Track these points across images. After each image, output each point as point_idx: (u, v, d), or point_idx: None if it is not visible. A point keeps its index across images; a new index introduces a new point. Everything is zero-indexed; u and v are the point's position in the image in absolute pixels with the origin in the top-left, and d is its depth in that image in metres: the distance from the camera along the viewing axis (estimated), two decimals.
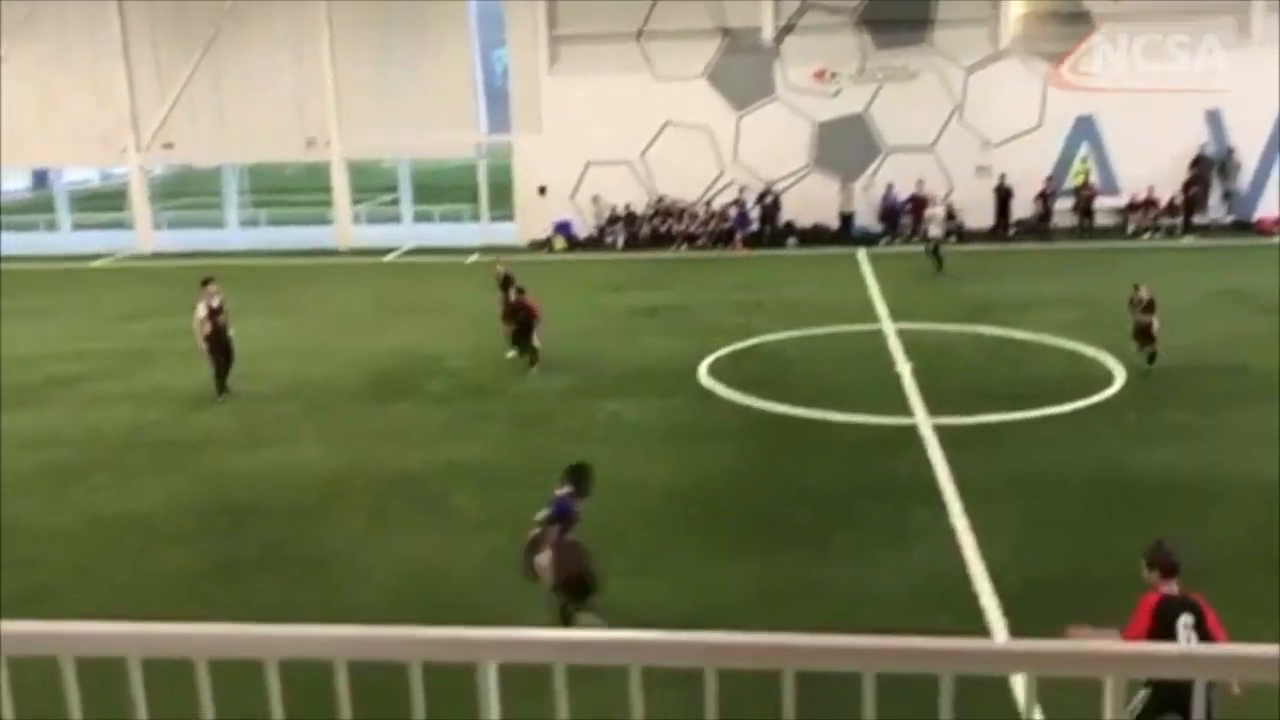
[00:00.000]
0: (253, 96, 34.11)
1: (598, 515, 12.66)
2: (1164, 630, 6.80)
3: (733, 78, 32.38)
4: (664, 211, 33.14)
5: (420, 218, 39.41)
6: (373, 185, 42.40)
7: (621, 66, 32.25)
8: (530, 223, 34.01)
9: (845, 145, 32.28)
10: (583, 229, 33.72)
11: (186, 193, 46.65)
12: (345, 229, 35.55)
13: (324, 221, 36.95)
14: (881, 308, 23.15)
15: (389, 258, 33.47)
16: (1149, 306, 17.67)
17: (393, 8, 33.03)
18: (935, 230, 27.48)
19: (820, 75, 32.17)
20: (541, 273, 29.87)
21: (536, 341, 18.90)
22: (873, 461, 14.20)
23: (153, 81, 34.52)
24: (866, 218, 32.54)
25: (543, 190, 33.68)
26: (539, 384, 18.35)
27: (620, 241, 32.90)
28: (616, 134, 32.23)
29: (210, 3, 33.63)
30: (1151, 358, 17.59)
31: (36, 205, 46.18)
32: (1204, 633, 6.81)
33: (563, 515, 9.77)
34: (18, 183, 52.97)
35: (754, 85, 32.45)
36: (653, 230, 33.06)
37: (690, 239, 32.56)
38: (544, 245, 33.36)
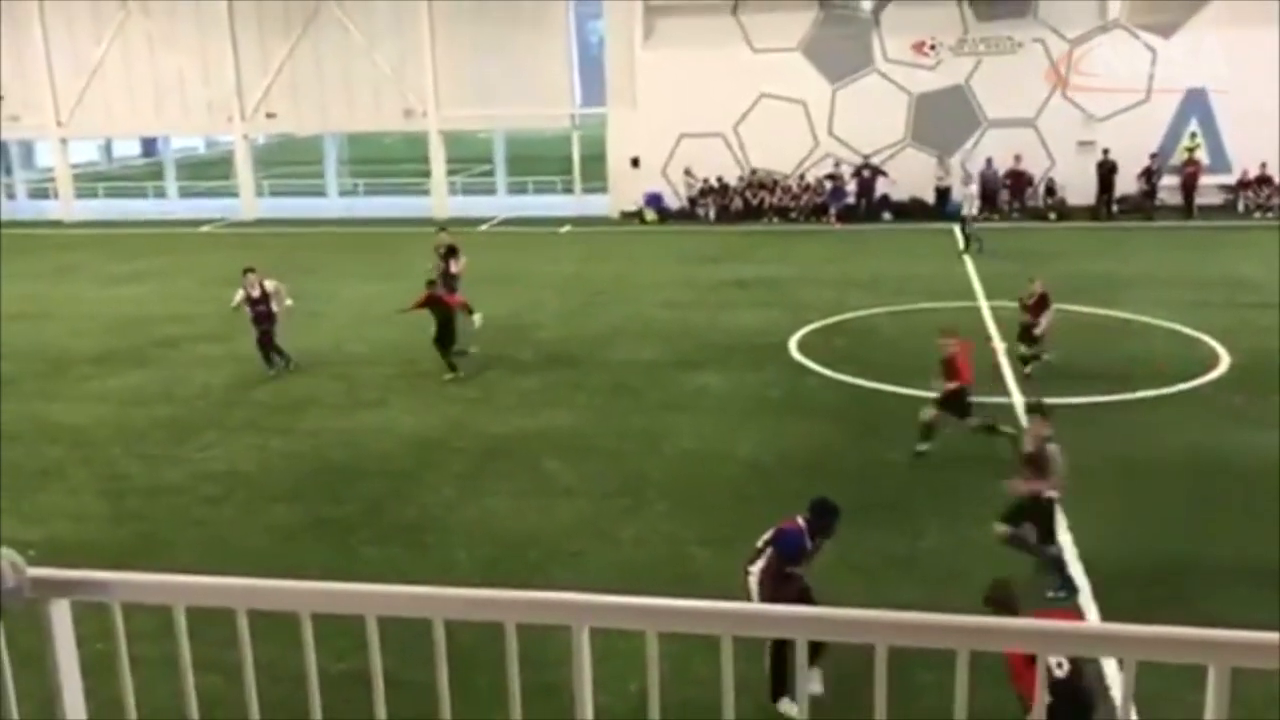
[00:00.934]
0: (352, 68, 34.70)
1: (686, 485, 12.77)
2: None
3: (829, 49, 31.93)
4: (756, 184, 32.91)
5: (514, 189, 39.73)
6: (469, 156, 42.85)
7: (716, 39, 32.02)
8: (622, 194, 34.07)
9: (944, 118, 31.65)
10: (674, 201, 33.67)
11: (289, 161, 47.67)
12: (441, 199, 36.01)
13: (421, 191, 37.47)
14: (978, 284, 22.71)
15: (483, 228, 33.82)
16: (1037, 304, 16.08)
17: None
18: (968, 209, 26.87)
19: (919, 47, 31.54)
20: (632, 243, 30.02)
21: (469, 344, 17.65)
22: (964, 439, 13.97)
23: (257, 54, 35.31)
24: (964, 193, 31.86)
25: (635, 162, 33.68)
26: (629, 354, 18.40)
27: (712, 214, 32.78)
28: (710, 107, 32.05)
29: None
30: (1025, 360, 16.02)
31: (146, 173, 47.68)
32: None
33: (786, 547, 8.76)
34: (129, 150, 54.79)
35: (851, 57, 31.97)
36: (744, 203, 32.86)
37: (782, 212, 32.29)
38: (635, 216, 33.41)
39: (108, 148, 53.29)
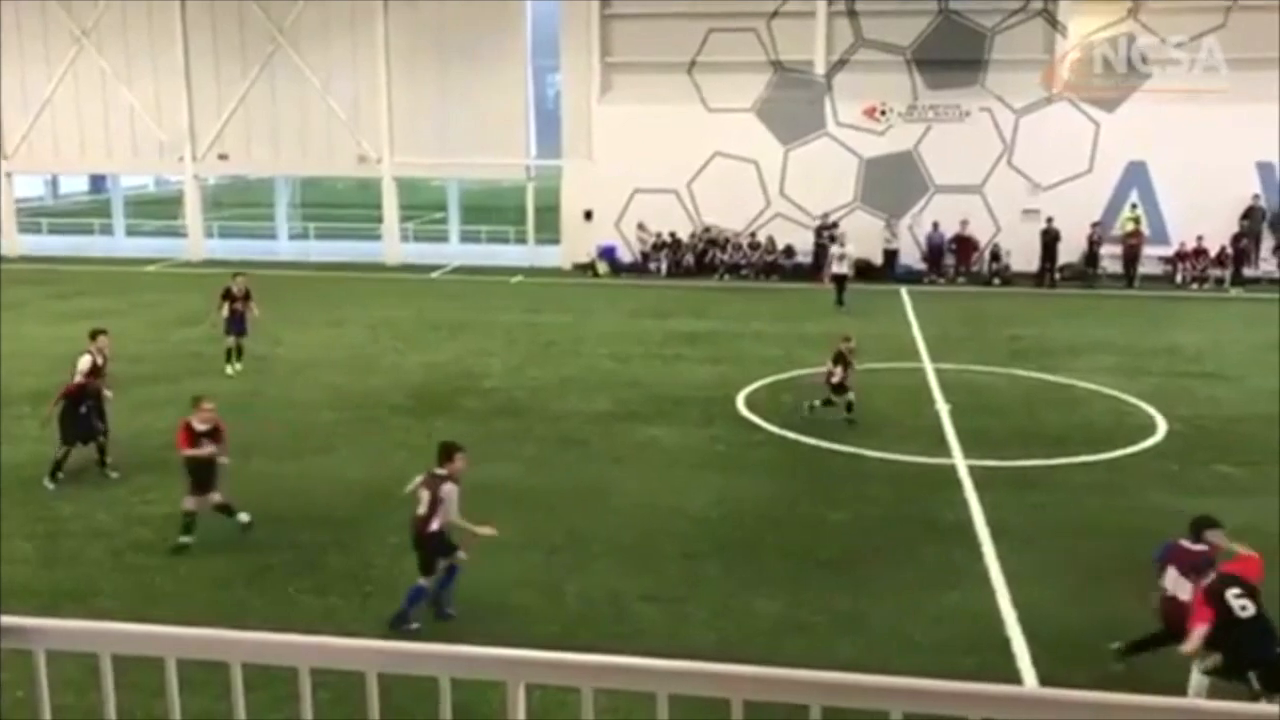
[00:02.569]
0: (307, 111, 34.69)
1: (632, 540, 12.73)
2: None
3: (782, 111, 32.46)
4: (709, 241, 33.22)
5: (468, 237, 39.76)
6: (422, 203, 42.85)
7: (672, 96, 32.45)
8: (575, 246, 34.23)
9: (893, 182, 32.24)
10: (627, 255, 33.87)
11: (241, 203, 47.36)
12: (393, 245, 35.93)
13: (373, 237, 37.38)
14: (923, 346, 23.04)
15: (435, 275, 33.77)
16: (839, 358, 17.26)
17: (450, 30, 33.51)
18: (839, 268, 27.78)
19: (870, 112, 32.18)
20: (584, 295, 30.11)
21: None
22: (908, 500, 14.10)
23: (211, 94, 35.19)
24: (911, 256, 32.42)
25: (589, 215, 33.89)
26: (577, 405, 18.39)
27: (664, 268, 33.00)
28: (664, 162, 32.40)
29: (269, 20, 34.27)
30: (847, 406, 17.22)
31: (93, 209, 47.09)
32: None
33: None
34: (76, 186, 54.10)
35: (803, 119, 32.51)
36: (697, 259, 33.14)
37: (734, 269, 32.60)
38: (588, 269, 33.55)
39: (54, 183, 52.57)
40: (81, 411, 14.68)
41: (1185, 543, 9.19)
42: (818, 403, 17.52)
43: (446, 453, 10.82)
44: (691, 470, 15.25)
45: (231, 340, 20.70)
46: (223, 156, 35.90)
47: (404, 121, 34.46)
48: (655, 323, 25.68)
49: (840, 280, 27.82)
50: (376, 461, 15.52)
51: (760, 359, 21.54)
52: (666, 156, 32.30)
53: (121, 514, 13.50)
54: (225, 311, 20.67)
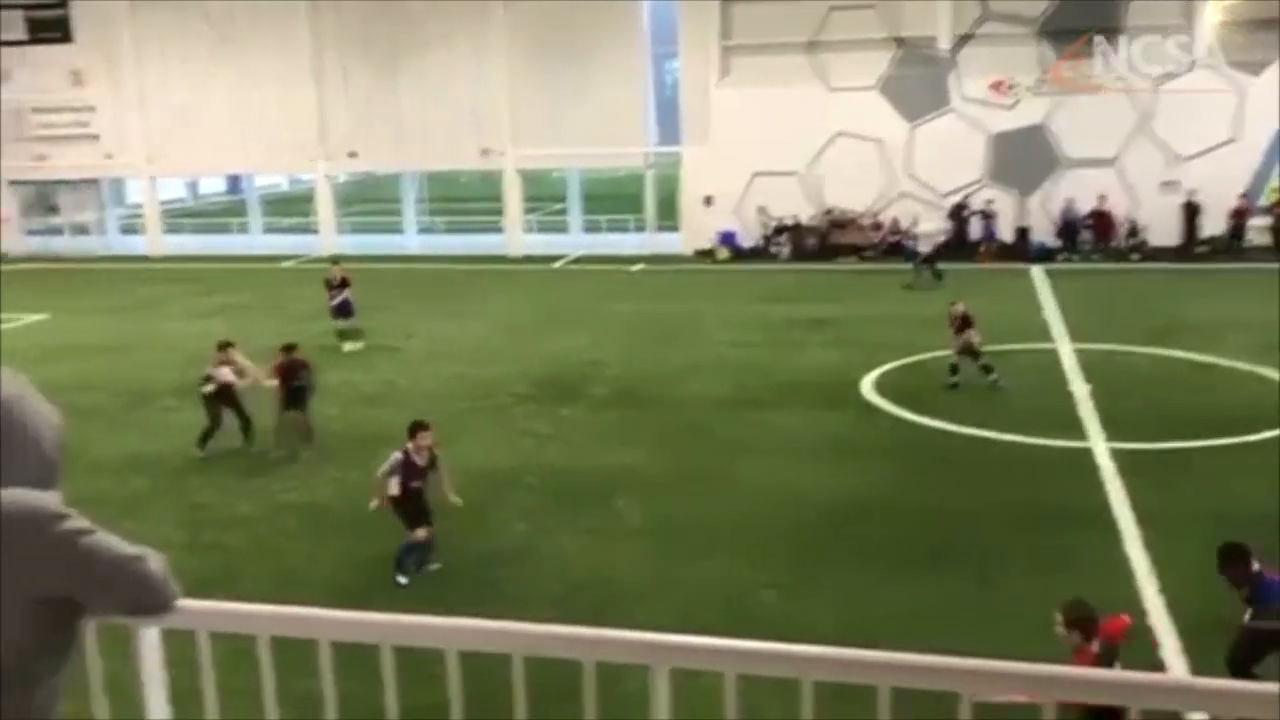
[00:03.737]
0: (431, 107, 35.38)
1: (755, 527, 12.68)
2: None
3: (906, 88, 31.84)
4: (833, 223, 32.80)
5: (588, 227, 40.10)
6: (544, 194, 43.35)
7: (792, 78, 32.11)
8: (695, 233, 34.19)
9: (1022, 158, 31.32)
10: (747, 239, 33.68)
11: (370, 199, 48.65)
12: (516, 236, 36.47)
13: (496, 229, 38.00)
14: (1058, 326, 22.33)
15: (557, 265, 34.14)
16: (964, 323, 17.86)
17: (569, 20, 33.73)
18: (925, 247, 27.84)
19: (998, 86, 31.30)
20: (705, 281, 30.06)
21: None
22: (1041, 485, 13.70)
23: (340, 93, 36.19)
24: (1044, 233, 31.47)
25: (709, 200, 33.80)
26: (699, 392, 18.39)
27: (786, 252, 32.72)
28: (785, 145, 32.09)
29: (393, 19, 35.04)
30: (986, 370, 17.71)
31: (230, 209, 48.99)
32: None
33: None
34: (215, 187, 56.41)
35: (928, 96, 31.84)
36: (820, 242, 32.75)
37: (859, 251, 32.11)
38: (708, 255, 33.48)
39: (194, 185, 54.89)
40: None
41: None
42: (956, 380, 17.90)
43: (410, 430, 11.83)
44: (814, 456, 15.09)
45: (341, 323, 22.11)
46: (352, 154, 36.90)
47: (525, 114, 34.88)
48: (777, 307, 25.48)
49: (928, 259, 27.37)
50: (502, 449, 15.79)
51: (885, 343, 21.17)
52: (787, 138, 31.99)
53: (264, 503, 14.03)
54: (328, 299, 22.39)
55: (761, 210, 33.31)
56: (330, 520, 13.32)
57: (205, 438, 15.70)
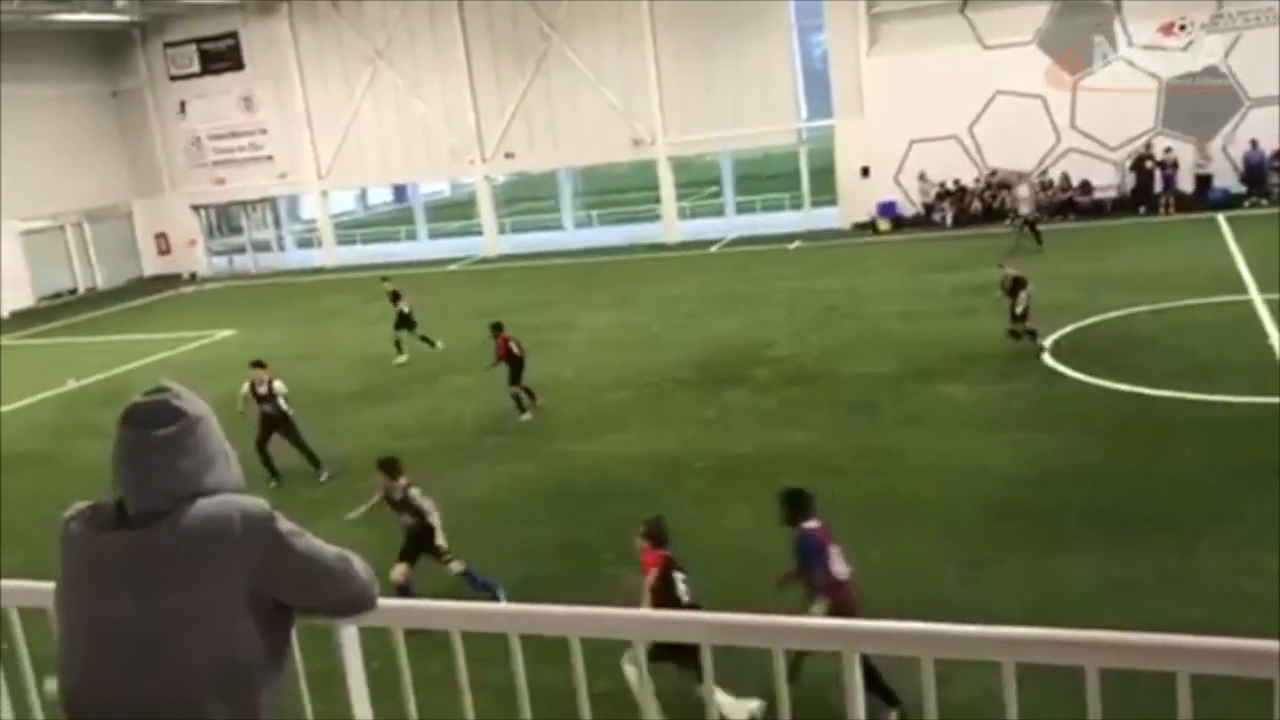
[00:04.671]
0: (581, 102, 35.78)
1: (933, 504, 12.36)
2: (668, 581, 8.91)
3: (1067, 40, 30.45)
4: (997, 184, 31.71)
5: (743, 209, 39.90)
6: (697, 179, 43.34)
7: (945, 39, 31.16)
8: (853, 206, 33.60)
9: (1199, 102, 29.55)
10: (908, 208, 32.89)
11: (527, 198, 49.61)
12: (672, 223, 36.58)
13: (652, 217, 38.20)
14: (1249, 276, 21.01)
15: (714, 249, 34.09)
16: (1013, 287, 17.71)
17: (712, 3, 33.52)
18: (1026, 209, 27.42)
19: (1168, 29, 29.61)
20: (865, 254, 29.50)
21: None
22: (1244, 445, 12.90)
23: (494, 97, 36.98)
24: (1227, 179, 29.66)
25: (865, 172, 33.16)
26: (866, 368, 18.06)
27: (949, 218, 31.81)
28: (941, 109, 31.18)
29: (540, 18, 35.56)
30: (1031, 336, 17.51)
31: (398, 217, 50.72)
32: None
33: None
34: (382, 197, 58.52)
35: (1092, 46, 30.38)
36: (984, 205, 31.70)
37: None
38: (868, 227, 32.85)
39: (363, 196, 57.08)
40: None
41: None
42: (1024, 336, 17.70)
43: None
44: (992, 427, 14.61)
45: (401, 334, 22.54)
46: (509, 155, 37.67)
47: (674, 100, 34.90)
48: (943, 276, 24.78)
49: (1029, 222, 26.84)
50: (669, 435, 15.87)
51: (1061, 305, 20.29)
52: (943, 102, 31.06)
53: (445, 498, 14.43)
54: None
55: (922, 177, 32.48)
56: (501, 513, 13.64)
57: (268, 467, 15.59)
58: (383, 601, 2.48)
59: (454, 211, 48.95)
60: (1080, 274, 23.00)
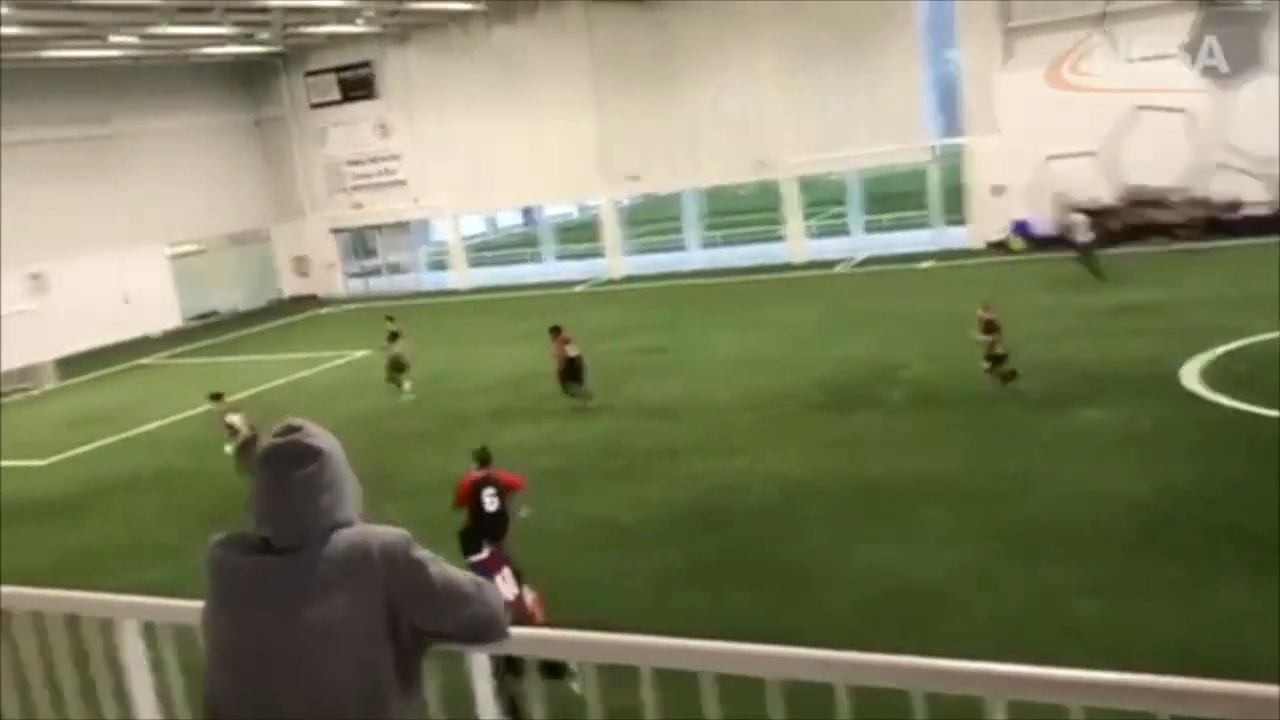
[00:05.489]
0: (706, 124, 35.80)
1: (1069, 529, 11.89)
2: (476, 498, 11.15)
3: (1213, 51, 29.20)
4: (1138, 203, 30.53)
5: (870, 227, 39.35)
6: (821, 198, 42.95)
7: (1083, 52, 30.22)
8: (985, 224, 32.79)
9: None
10: (1043, 227, 31.90)
11: (651, 219, 49.88)
12: (798, 243, 36.28)
13: (777, 238, 37.95)
14: None
15: (840, 269, 33.68)
16: (987, 328, 17.34)
17: (838, 22, 33.23)
18: (1082, 237, 26.95)
19: None
20: (999, 274, 28.70)
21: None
22: None
23: (619, 120, 37.31)
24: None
25: (999, 190, 32.34)
26: (1002, 390, 17.55)
27: (1087, 238, 30.69)
28: (1079, 125, 30.22)
29: (666, 40, 35.77)
30: (1004, 378, 17.11)
31: (525, 240, 51.56)
32: (503, 494, 11.34)
33: None
34: (511, 220, 59.60)
35: (1240, 57, 29.06)
36: (1125, 224, 30.55)
37: (1168, 230, 29.71)
38: (1000, 246, 32.00)
39: (492, 219, 58.21)
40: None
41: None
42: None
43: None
44: (1133, 453, 14.01)
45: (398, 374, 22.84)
46: (633, 177, 37.92)
47: (799, 119, 34.63)
48: (1081, 297, 23.95)
49: (1085, 248, 26.37)
50: (798, 458, 15.66)
51: (1203, 327, 19.41)
52: (1081, 118, 30.10)
53: (570, 518, 14.54)
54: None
55: (1058, 195, 31.49)
56: (624, 533, 13.64)
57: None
58: (515, 631, 2.48)
59: (580, 234, 49.51)
60: (1231, 295, 21.95)
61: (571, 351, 19.87)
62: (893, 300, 26.78)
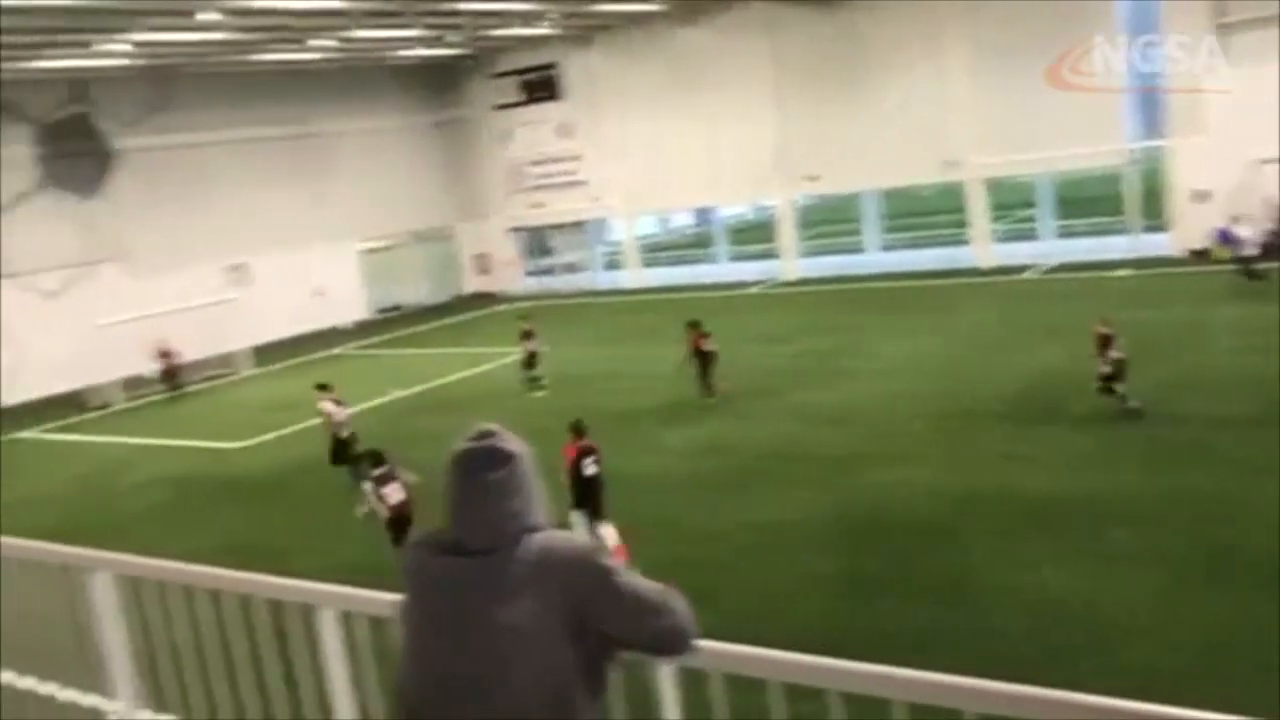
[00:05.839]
0: (888, 124, 35.05)
1: (1273, 558, 11.09)
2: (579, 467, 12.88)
3: None
4: None
5: (1061, 232, 37.76)
6: (1006, 201, 41.50)
7: None
8: (1188, 231, 31.00)
9: None
10: (1253, 234, 29.94)
11: (827, 220, 49.25)
12: (983, 247, 35.15)
13: (960, 241, 36.88)
14: None
15: (1027, 275, 32.45)
16: (1104, 343, 16.97)
17: (1030, 19, 32.00)
18: (1247, 250, 26.21)
19: None
20: (1201, 284, 27.09)
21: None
22: None
23: (799, 120, 36.93)
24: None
25: (1202, 195, 30.54)
26: (1204, 408, 16.54)
27: None
28: None
29: (849, 39, 35.19)
30: (1116, 395, 16.66)
31: (698, 240, 51.69)
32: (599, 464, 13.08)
33: None
34: (684, 220, 59.88)
35: None
36: None
37: None
38: (1203, 255, 30.21)
39: (666, 219, 58.59)
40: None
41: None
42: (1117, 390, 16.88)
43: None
44: None
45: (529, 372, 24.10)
46: (812, 178, 37.47)
47: (988, 120, 33.51)
48: None
49: (1244, 261, 25.73)
50: (975, 470, 15.14)
51: None
52: None
53: (738, 521, 14.46)
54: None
55: (1267, 200, 29.54)
56: (787, 539, 13.45)
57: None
58: (702, 644, 2.43)
59: (754, 234, 49.28)
60: None
61: (707, 346, 21.02)
62: (1083, 309, 25.50)
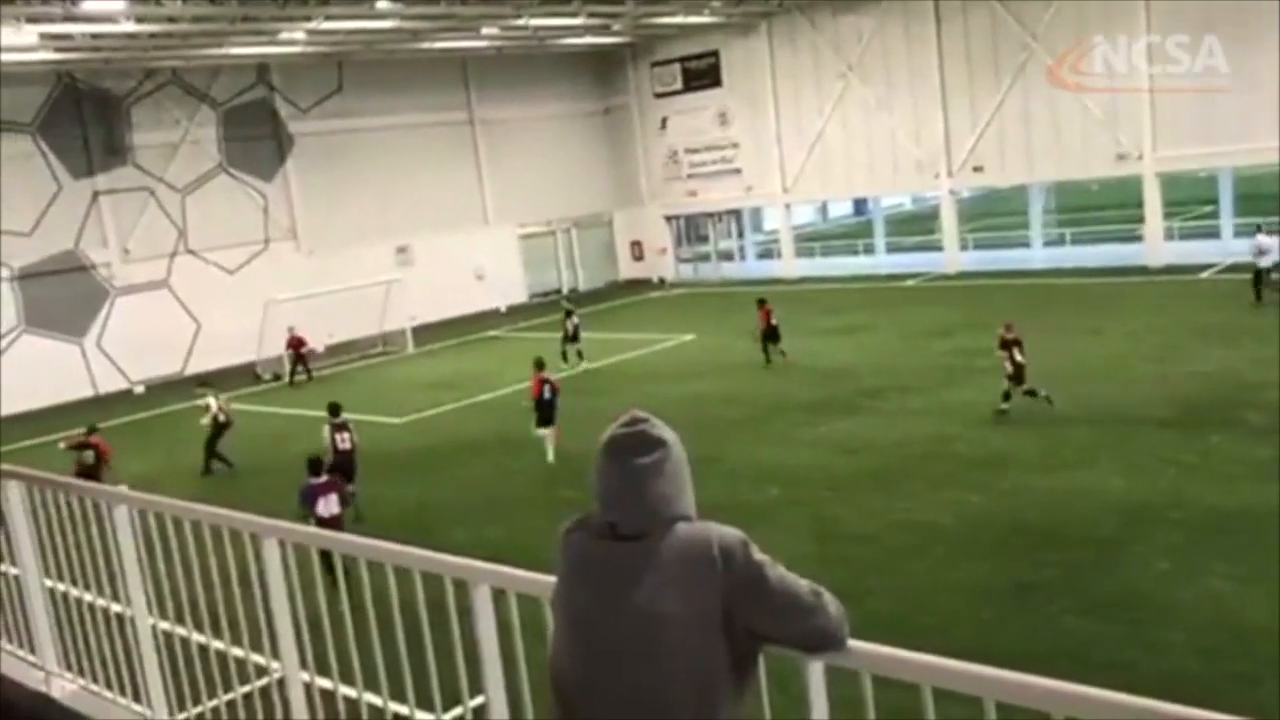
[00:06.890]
0: (1060, 115, 33.74)
1: None
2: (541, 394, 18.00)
3: None
4: None
5: (1242, 231, 35.69)
6: (1181, 197, 39.48)
7: None
8: None
9: None
10: None
11: (991, 213, 47.82)
12: (1157, 245, 33.54)
13: (1132, 238, 35.30)
14: None
15: (1205, 275, 30.84)
16: (1007, 346, 18.07)
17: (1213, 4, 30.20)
18: (1266, 261, 25.66)
19: None
20: None
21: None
22: None
23: (965, 110, 35.89)
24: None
25: None
26: None
27: None
28: None
29: (1022, 29, 33.99)
30: (1026, 395, 17.74)
31: (856, 231, 50.91)
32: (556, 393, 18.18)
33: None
34: (842, 210, 59.11)
35: None
36: None
37: None
38: None
39: (823, 209, 57.88)
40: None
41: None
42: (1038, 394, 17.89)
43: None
44: None
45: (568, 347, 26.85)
46: (977, 169, 36.42)
47: (1168, 112, 31.87)
48: None
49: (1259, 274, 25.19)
50: (1141, 478, 14.50)
51: None
52: None
53: (887, 520, 14.21)
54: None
55: None
56: (945, 543, 13.15)
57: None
58: (853, 643, 2.41)
59: (913, 226, 48.27)
60: None
61: (773, 319, 24.65)
62: (1256, 313, 24.23)
